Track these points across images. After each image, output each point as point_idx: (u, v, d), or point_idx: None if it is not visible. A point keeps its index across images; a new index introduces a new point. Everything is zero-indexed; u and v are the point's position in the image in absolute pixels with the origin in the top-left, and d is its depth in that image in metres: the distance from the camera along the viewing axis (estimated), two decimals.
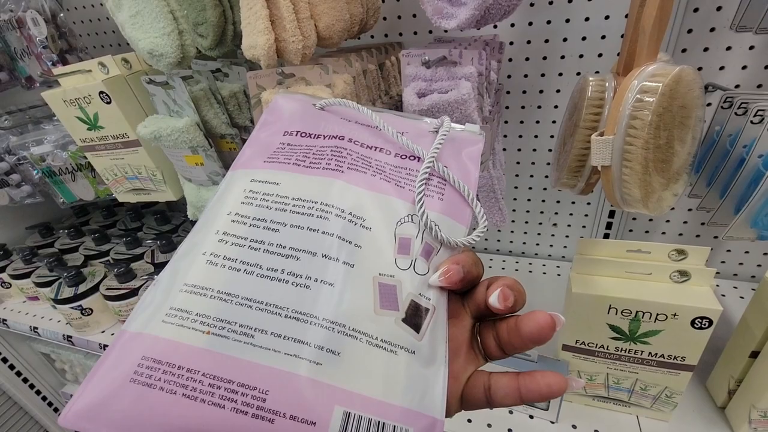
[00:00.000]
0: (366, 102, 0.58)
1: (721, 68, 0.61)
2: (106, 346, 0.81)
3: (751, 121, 0.44)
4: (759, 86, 0.60)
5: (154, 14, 0.45)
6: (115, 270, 0.78)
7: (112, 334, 0.83)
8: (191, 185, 0.61)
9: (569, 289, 0.50)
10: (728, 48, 0.59)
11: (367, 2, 0.55)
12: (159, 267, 0.84)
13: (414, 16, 0.71)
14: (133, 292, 0.78)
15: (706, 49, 0.60)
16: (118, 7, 0.47)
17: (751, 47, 0.58)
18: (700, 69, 0.62)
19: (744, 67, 0.60)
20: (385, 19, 0.72)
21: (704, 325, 0.45)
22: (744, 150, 0.46)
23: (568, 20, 0.64)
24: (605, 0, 0.61)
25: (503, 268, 0.88)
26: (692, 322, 0.45)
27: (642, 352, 0.49)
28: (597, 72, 0.66)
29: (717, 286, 0.75)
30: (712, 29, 0.59)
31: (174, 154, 0.57)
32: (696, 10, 0.58)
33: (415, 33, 0.72)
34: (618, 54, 0.64)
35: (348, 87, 0.51)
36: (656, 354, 0.49)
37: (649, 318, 0.46)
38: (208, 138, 0.55)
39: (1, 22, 0.74)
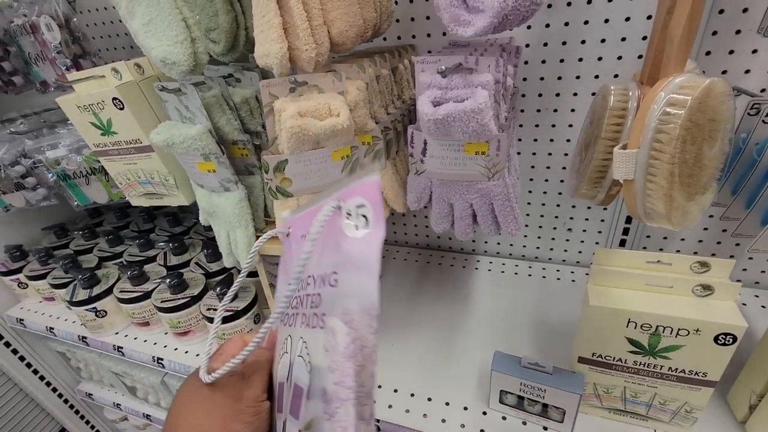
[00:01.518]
0: (379, 108, 0.57)
1: (747, 72, 0.58)
2: (120, 347, 0.82)
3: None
4: (747, 72, 0.58)
5: (167, 22, 0.45)
6: (129, 273, 0.79)
7: (126, 336, 0.84)
8: (203, 191, 0.61)
9: (586, 302, 0.49)
10: (754, 51, 0.57)
11: (381, 6, 0.54)
12: (171, 269, 0.85)
13: (428, 18, 0.69)
14: (146, 295, 0.78)
15: (731, 52, 0.58)
16: (131, 15, 0.47)
17: None
18: (724, 72, 0.60)
19: None
20: (398, 21, 0.71)
21: (728, 341, 0.43)
22: None
23: (586, 22, 0.62)
24: (625, 1, 0.59)
25: (516, 273, 0.87)
26: (715, 338, 0.44)
27: (661, 366, 0.48)
28: (616, 76, 0.65)
29: (738, 294, 0.73)
30: (738, 31, 0.56)
31: (186, 161, 0.57)
32: (721, 11, 0.56)
33: (429, 35, 0.71)
34: (639, 57, 0.62)
35: (361, 93, 0.51)
36: (676, 369, 0.47)
37: (670, 333, 0.45)
38: (220, 145, 0.55)
39: (15, 27, 0.75)
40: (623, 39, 0.62)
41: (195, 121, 0.55)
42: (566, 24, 0.63)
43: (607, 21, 0.61)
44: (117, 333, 0.86)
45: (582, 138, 0.45)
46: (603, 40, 0.63)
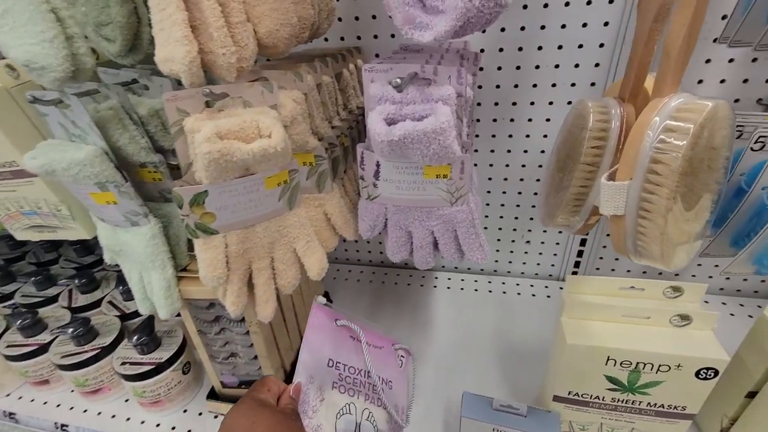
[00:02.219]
0: (321, 121, 0.49)
1: (700, 81, 0.57)
2: (12, 414, 0.67)
3: (752, 148, 0.40)
4: (736, 101, 0.57)
5: (28, 14, 0.33)
6: (19, 322, 0.64)
7: (20, 398, 0.69)
8: (105, 225, 0.49)
9: (561, 339, 0.44)
10: (707, 61, 0.56)
11: (320, 3, 0.45)
12: (78, 312, 0.71)
13: (374, 17, 0.62)
14: (43, 349, 0.64)
15: None
16: None
17: (731, 60, 0.55)
18: None
19: (722, 81, 0.57)
20: (340, 20, 0.63)
21: (709, 375, 0.40)
22: (742, 178, 0.42)
23: (543, 27, 0.58)
24: (582, 6, 0.55)
25: (476, 290, 0.82)
26: (697, 373, 0.41)
27: (640, 402, 0.44)
28: (573, 84, 0.61)
29: (706, 302, 0.74)
30: None
31: (77, 191, 0.45)
32: None
33: (376, 37, 0.64)
34: (596, 65, 0.59)
35: (299, 106, 0.42)
36: (656, 404, 0.44)
37: (651, 369, 0.42)
38: (121, 170, 0.43)
39: None
40: (580, 46, 0.58)
41: (86, 140, 0.44)
42: (522, 28, 0.59)
43: (564, 26, 0.57)
44: (8, 395, 0.69)
45: (554, 160, 0.40)
46: (560, 47, 0.59)
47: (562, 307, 0.45)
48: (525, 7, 0.57)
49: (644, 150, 0.27)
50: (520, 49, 0.60)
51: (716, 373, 0.40)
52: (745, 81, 0.56)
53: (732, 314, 0.71)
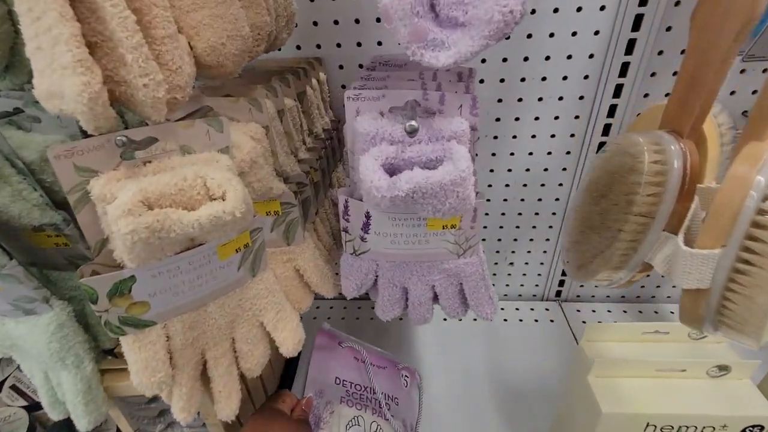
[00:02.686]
0: (287, 157, 0.38)
1: None
2: None
3: None
4: (744, 113, 0.55)
5: None
6: None
7: None
8: None
9: (592, 405, 0.38)
10: None
11: (277, 7, 0.35)
12: None
13: (336, 23, 0.52)
14: None
15: (675, 74, 0.53)
16: None
17: (742, 71, 0.52)
18: (668, 95, 0.55)
19: (732, 93, 0.53)
20: (296, 26, 0.52)
21: None
22: None
23: (530, 35, 0.52)
24: (571, 13, 0.50)
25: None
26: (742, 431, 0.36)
27: None
28: (561, 98, 0.56)
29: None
30: (683, 51, 0.51)
31: None
32: (669, 29, 0.50)
33: (339, 45, 0.54)
34: (585, 77, 0.54)
35: (258, 145, 0.32)
36: None
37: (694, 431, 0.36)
38: (2, 246, 0.30)
39: None
40: (569, 57, 0.53)
41: None
42: (507, 37, 0.52)
43: (552, 35, 0.51)
44: None
45: (586, 201, 0.34)
46: (548, 58, 0.53)
47: (592, 368, 0.38)
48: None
49: (745, 214, 0.21)
50: (505, 59, 0.54)
51: (762, 429, 0.36)
52: (732, 93, 0.54)
53: None
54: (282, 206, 0.37)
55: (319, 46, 0.54)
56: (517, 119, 0.58)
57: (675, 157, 0.26)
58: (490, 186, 0.65)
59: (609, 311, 0.75)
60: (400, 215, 0.32)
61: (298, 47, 0.55)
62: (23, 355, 0.37)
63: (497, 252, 0.73)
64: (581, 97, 0.56)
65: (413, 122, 0.25)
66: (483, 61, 0.54)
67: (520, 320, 0.74)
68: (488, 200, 0.67)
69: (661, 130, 0.28)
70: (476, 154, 0.60)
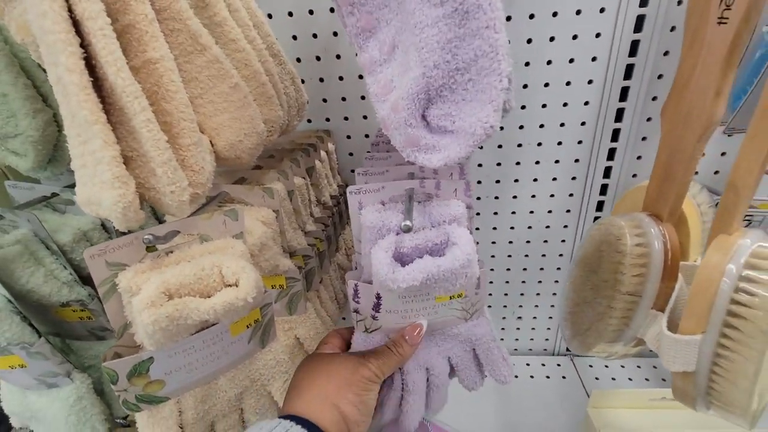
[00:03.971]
0: (294, 232, 0.41)
1: None
2: None
3: None
4: (716, 173, 0.57)
5: None
6: None
7: None
8: (12, 387, 0.37)
9: None
10: None
11: (289, 100, 0.39)
12: None
13: (344, 99, 0.57)
14: None
15: None
16: None
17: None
18: None
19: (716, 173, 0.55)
20: (307, 102, 0.57)
21: None
22: None
23: (523, 107, 0.56)
24: (563, 85, 0.53)
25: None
26: None
27: None
28: (557, 161, 0.59)
29: None
30: None
31: None
32: (660, 76, 0.52)
33: (346, 118, 0.58)
34: (579, 142, 0.57)
35: (269, 229, 0.35)
36: None
37: None
38: (32, 324, 0.33)
39: None
40: (562, 125, 0.56)
41: None
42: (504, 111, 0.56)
43: (544, 106, 0.55)
44: None
45: (578, 275, 0.35)
46: (542, 126, 0.56)
47: None
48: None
49: (720, 301, 0.22)
50: (501, 128, 0.57)
51: None
52: (716, 173, 0.55)
53: None
54: (287, 280, 0.39)
55: (328, 120, 0.59)
56: (516, 181, 0.61)
57: (655, 239, 0.28)
58: (494, 243, 0.67)
59: (622, 366, 0.73)
60: (409, 294, 0.34)
61: (309, 120, 0.59)
62: (41, 426, 0.39)
63: (504, 306, 0.74)
64: (576, 160, 0.58)
65: (408, 222, 0.28)
66: None
67: (531, 376, 0.73)
68: (492, 256, 0.68)
69: (643, 212, 0.30)
70: (476, 228, 0.62)
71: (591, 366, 0.74)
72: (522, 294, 0.72)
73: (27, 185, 0.40)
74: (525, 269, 0.69)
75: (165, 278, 0.26)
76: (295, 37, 0.53)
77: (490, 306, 0.74)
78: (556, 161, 0.59)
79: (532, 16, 0.49)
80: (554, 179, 0.60)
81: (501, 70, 0.23)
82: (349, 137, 0.60)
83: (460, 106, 0.25)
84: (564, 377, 0.72)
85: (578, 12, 0.49)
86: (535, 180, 0.60)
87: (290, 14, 0.51)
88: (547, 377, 0.73)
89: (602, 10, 0.48)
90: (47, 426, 0.38)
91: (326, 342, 0.39)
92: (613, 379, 0.71)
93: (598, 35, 0.50)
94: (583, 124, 0.56)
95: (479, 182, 0.62)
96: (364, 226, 0.30)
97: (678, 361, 0.24)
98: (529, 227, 0.65)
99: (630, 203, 0.32)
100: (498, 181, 0.61)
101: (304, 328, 0.42)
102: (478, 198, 0.63)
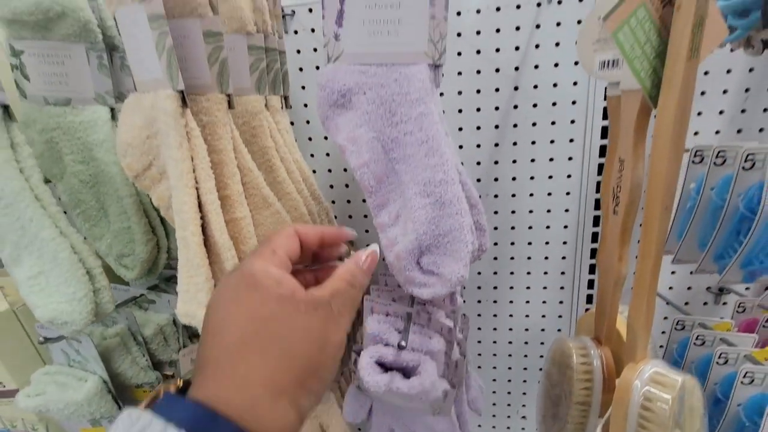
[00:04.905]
0: None
1: None
2: None
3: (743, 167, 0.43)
4: None
5: (64, 277, 0.37)
6: None
7: None
8: None
9: None
10: None
11: (320, 219, 0.52)
12: None
13: (365, 216, 0.70)
14: None
15: None
16: (17, 262, 0.38)
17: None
18: None
19: (717, 132, 0.58)
20: (336, 217, 0.71)
21: None
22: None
23: (514, 178, 0.67)
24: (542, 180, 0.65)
25: None
26: None
27: None
28: (546, 258, 0.67)
29: None
30: None
31: (68, 426, 0.43)
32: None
33: (367, 231, 0.71)
34: (567, 193, 0.63)
35: None
36: None
37: None
38: (118, 400, 0.43)
39: None
40: (549, 193, 0.64)
41: (86, 366, 0.44)
42: (496, 178, 0.67)
43: (532, 178, 0.66)
44: None
45: (546, 384, 0.43)
46: (531, 194, 0.64)
47: None
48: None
49: (632, 413, 0.30)
50: (496, 212, 0.68)
51: None
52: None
53: None
54: None
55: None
56: (512, 273, 0.69)
57: (595, 359, 0.36)
58: (495, 342, 0.74)
59: None
60: None
61: None
62: None
63: (508, 405, 0.78)
64: (566, 226, 0.65)
65: (403, 342, 0.38)
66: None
67: None
68: (494, 354, 0.75)
69: (587, 336, 0.39)
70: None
71: None
72: (524, 393, 0.76)
73: (123, 287, 0.53)
74: (525, 368, 0.74)
75: None
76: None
77: (495, 404, 0.78)
78: (547, 240, 0.68)
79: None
80: (546, 257, 0.67)
81: (466, 241, 0.34)
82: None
83: (442, 258, 0.36)
84: None
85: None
86: (529, 257, 0.69)
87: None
88: None
89: None
90: None
91: (273, 248, 0.25)
92: None
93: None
94: (568, 193, 0.66)
95: (479, 273, 0.70)
96: (366, 325, 0.40)
97: None
98: (526, 329, 0.72)
99: (585, 325, 0.41)
100: (495, 273, 0.70)
101: (327, 416, 0.50)
102: (479, 301, 0.72)
